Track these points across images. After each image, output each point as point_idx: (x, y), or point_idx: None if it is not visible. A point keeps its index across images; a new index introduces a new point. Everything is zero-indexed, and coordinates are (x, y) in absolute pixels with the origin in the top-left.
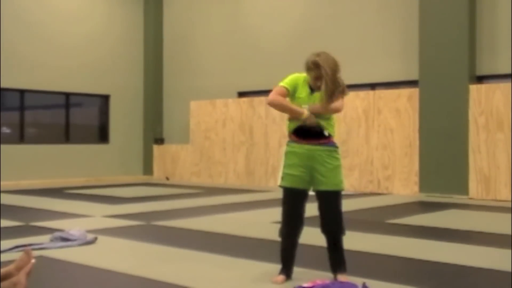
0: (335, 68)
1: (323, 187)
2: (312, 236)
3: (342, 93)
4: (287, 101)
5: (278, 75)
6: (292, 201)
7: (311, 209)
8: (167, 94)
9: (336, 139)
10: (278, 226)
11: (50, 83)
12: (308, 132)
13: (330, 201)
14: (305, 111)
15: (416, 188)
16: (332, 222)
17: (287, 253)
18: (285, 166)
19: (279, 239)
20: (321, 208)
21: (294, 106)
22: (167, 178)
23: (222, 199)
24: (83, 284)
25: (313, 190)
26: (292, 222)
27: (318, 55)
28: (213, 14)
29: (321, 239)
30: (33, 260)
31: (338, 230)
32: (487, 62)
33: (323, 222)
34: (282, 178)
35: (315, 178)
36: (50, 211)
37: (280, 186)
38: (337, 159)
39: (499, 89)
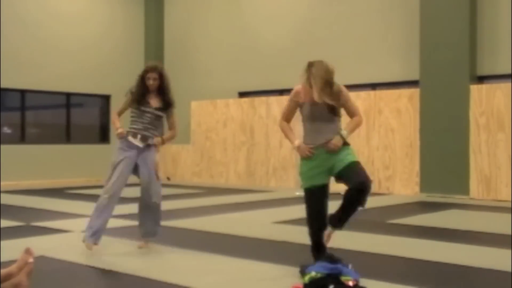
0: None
1: (341, 165)
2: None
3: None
4: (287, 128)
5: (279, 75)
6: (314, 199)
7: (304, 210)
8: None
9: None
10: (279, 226)
11: (51, 84)
12: None
13: (352, 167)
14: (296, 142)
15: (417, 188)
16: (360, 175)
17: (319, 251)
18: (302, 167)
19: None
20: (345, 177)
21: (290, 135)
22: (168, 178)
23: (223, 199)
24: (83, 284)
25: (335, 176)
26: (315, 222)
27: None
28: (214, 15)
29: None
30: (31, 260)
31: (367, 180)
32: (487, 62)
33: (351, 178)
34: (302, 179)
35: (333, 167)
36: (51, 211)
37: (303, 188)
38: (349, 149)
39: (499, 89)
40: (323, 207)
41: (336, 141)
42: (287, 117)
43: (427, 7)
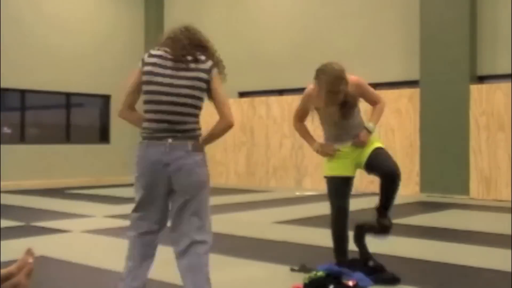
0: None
1: (367, 153)
2: (309, 235)
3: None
4: (303, 129)
5: (279, 75)
6: (338, 193)
7: (305, 210)
8: None
9: None
10: (279, 226)
11: (51, 83)
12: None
13: (378, 154)
14: (315, 145)
15: (417, 188)
16: (388, 163)
17: (340, 254)
18: (326, 162)
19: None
20: (375, 167)
21: (308, 137)
22: None
23: (223, 199)
24: (83, 284)
25: (365, 168)
26: (339, 222)
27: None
28: (214, 15)
29: (319, 239)
30: (30, 260)
31: (396, 168)
32: (487, 62)
33: (380, 169)
34: (326, 169)
35: (360, 157)
36: (51, 211)
37: (325, 176)
38: (372, 137)
39: (499, 89)
40: (346, 203)
41: (363, 137)
42: (301, 118)
43: (427, 7)
